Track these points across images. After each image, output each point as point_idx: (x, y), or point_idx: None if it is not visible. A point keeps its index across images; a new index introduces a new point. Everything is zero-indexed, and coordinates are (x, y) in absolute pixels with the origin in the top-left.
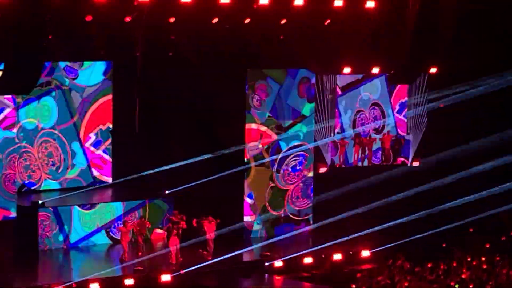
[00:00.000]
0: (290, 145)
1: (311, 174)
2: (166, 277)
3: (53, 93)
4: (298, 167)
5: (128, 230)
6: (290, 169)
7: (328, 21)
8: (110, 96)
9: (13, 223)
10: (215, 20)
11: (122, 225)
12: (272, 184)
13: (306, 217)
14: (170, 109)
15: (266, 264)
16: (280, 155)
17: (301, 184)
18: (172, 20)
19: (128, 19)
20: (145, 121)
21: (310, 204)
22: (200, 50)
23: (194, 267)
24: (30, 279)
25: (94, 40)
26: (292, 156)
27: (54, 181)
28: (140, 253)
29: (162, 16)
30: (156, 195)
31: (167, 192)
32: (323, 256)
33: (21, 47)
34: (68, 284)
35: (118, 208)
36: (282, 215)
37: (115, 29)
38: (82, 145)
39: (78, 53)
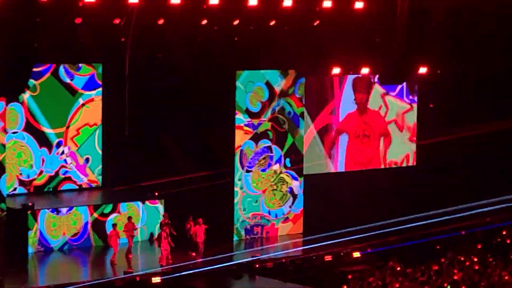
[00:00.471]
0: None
1: None
2: (156, 280)
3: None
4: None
5: (117, 233)
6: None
7: (317, 22)
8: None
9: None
10: (204, 22)
11: (111, 228)
12: None
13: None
14: (160, 110)
15: (257, 265)
16: None
17: None
18: (161, 21)
19: (117, 21)
20: (135, 122)
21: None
22: (189, 51)
23: (184, 270)
24: (20, 281)
25: (84, 42)
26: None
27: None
28: (130, 255)
29: (152, 17)
30: (146, 197)
31: (156, 194)
32: (313, 257)
33: (11, 49)
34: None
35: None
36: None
37: (105, 31)
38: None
39: (68, 56)
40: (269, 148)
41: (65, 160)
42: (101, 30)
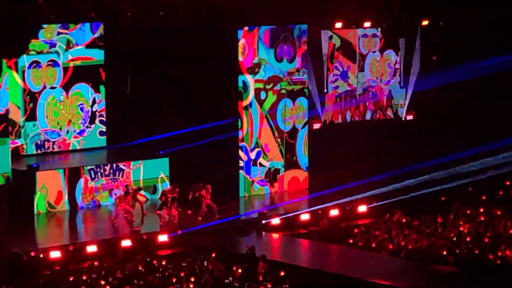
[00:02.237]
0: None
1: None
2: (163, 238)
3: None
4: None
5: (127, 199)
6: None
7: None
8: None
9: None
10: None
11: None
12: None
13: None
14: (162, 71)
15: (263, 222)
16: None
17: None
18: None
19: None
20: (137, 84)
21: None
22: (191, 9)
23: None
24: (27, 243)
25: (84, 1)
26: None
27: None
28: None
29: None
30: (150, 156)
31: (161, 152)
32: (319, 212)
33: (9, 10)
34: (65, 246)
35: None
36: None
37: None
38: None
39: (68, 16)
40: None
41: None
42: None
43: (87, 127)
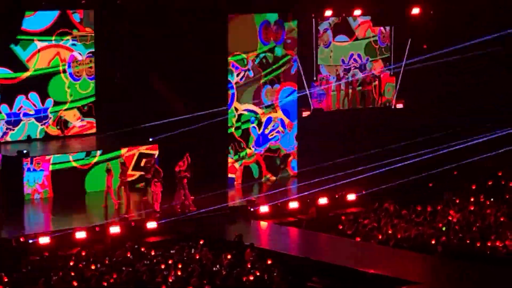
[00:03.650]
0: None
1: None
2: (152, 225)
3: None
4: None
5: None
6: None
7: None
8: None
9: None
10: None
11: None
12: None
13: None
14: (151, 58)
15: (251, 209)
16: None
17: None
18: None
19: None
20: (127, 71)
21: None
22: None
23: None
24: (16, 229)
25: None
26: None
27: None
28: (119, 201)
29: None
30: (141, 143)
31: (151, 139)
32: (308, 200)
33: None
34: (54, 233)
35: None
36: None
37: None
38: None
39: (58, 2)
40: None
41: None
42: None
43: None
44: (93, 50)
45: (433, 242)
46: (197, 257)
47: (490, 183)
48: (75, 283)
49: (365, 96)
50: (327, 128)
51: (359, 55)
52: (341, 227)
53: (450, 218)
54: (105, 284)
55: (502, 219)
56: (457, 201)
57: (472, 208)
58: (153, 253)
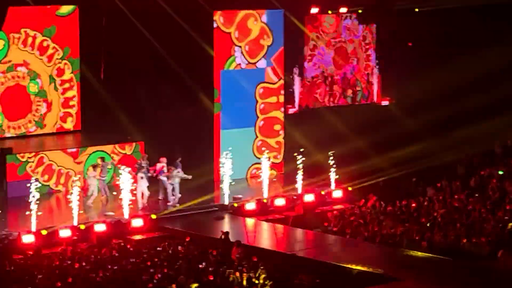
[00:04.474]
0: None
1: None
2: (137, 222)
3: None
4: None
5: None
6: None
7: None
8: None
9: None
10: None
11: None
12: None
13: None
14: (136, 55)
15: (237, 206)
16: None
17: None
18: None
19: None
20: (111, 67)
21: None
22: None
23: (165, 212)
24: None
25: None
26: None
27: None
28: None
29: None
30: (121, 140)
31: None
32: (294, 197)
33: None
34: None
35: None
36: None
37: None
38: None
39: None
40: None
41: None
42: None
43: None
44: None
45: (417, 238)
46: (184, 254)
47: (473, 180)
48: (59, 284)
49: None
50: (313, 124)
51: None
52: (327, 224)
53: (435, 215)
54: (91, 282)
55: (484, 216)
56: (440, 198)
57: (456, 205)
58: (139, 250)
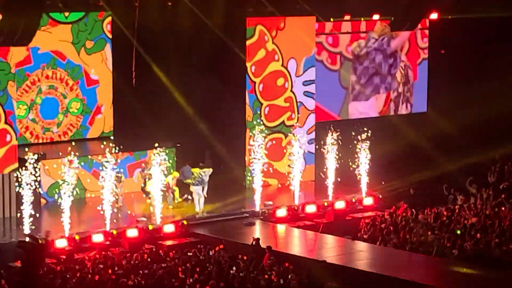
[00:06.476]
0: None
1: None
2: (169, 228)
3: None
4: None
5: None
6: None
7: None
8: None
9: None
10: None
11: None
12: None
13: None
14: (168, 61)
15: (268, 212)
16: None
17: None
18: None
19: None
20: (143, 74)
21: None
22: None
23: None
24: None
25: None
26: None
27: None
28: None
29: None
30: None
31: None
32: (325, 204)
33: None
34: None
35: None
36: None
37: None
38: None
39: (76, 4)
40: None
41: None
42: None
43: None
44: None
45: (448, 245)
46: (215, 259)
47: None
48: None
49: None
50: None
51: None
52: (359, 234)
53: (466, 223)
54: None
55: None
56: (472, 204)
57: (488, 212)
58: (170, 256)
